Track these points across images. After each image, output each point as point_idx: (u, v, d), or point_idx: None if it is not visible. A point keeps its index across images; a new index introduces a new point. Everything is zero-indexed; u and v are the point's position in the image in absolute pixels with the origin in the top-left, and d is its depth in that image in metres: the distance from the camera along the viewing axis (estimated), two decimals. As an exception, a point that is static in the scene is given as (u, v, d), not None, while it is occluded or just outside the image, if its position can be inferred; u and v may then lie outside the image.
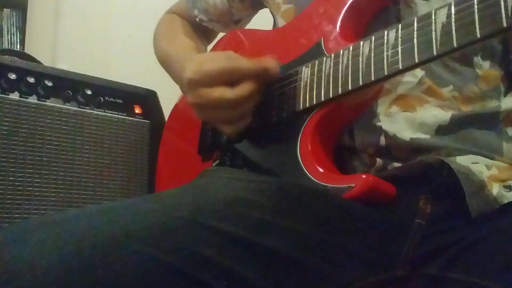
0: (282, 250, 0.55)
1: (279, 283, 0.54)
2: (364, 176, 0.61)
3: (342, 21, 0.70)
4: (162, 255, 0.49)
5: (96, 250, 0.47)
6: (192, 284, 0.49)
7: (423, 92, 0.67)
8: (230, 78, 0.70)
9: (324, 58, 0.68)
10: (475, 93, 0.70)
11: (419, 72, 0.68)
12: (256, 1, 0.98)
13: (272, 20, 0.94)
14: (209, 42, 1.12)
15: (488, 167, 0.63)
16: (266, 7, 0.97)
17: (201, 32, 1.09)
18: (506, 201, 0.59)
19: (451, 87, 0.69)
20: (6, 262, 0.46)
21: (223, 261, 0.51)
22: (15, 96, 1.01)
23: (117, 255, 0.47)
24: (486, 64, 0.71)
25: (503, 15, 0.48)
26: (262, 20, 1.04)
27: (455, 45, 0.52)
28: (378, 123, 0.67)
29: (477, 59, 0.71)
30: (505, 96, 0.73)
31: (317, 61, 0.69)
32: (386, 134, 0.66)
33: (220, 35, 1.09)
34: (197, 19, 1.05)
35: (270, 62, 0.72)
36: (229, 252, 0.52)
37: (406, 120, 0.66)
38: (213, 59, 0.73)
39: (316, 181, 0.63)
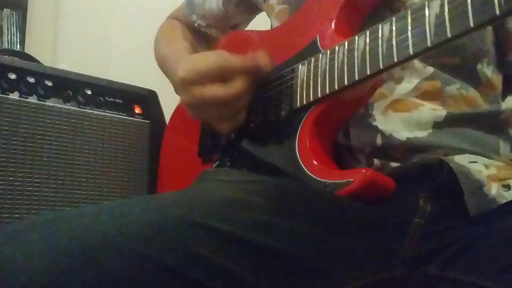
0: (280, 250, 0.54)
1: (276, 283, 0.54)
2: (363, 170, 0.60)
3: (337, 17, 0.70)
4: (155, 254, 0.48)
5: (88, 249, 0.47)
6: (186, 283, 0.49)
7: (418, 97, 0.68)
8: (222, 76, 0.70)
9: (320, 55, 0.68)
10: (478, 96, 0.71)
11: (414, 79, 0.68)
12: (251, 5, 0.98)
13: (269, 24, 0.94)
14: (210, 48, 1.13)
15: (487, 166, 0.63)
16: (263, 11, 0.97)
17: (202, 38, 1.10)
18: (504, 201, 0.59)
19: (458, 85, 0.69)
20: None
21: (219, 260, 0.51)
22: (15, 96, 1.01)
23: (110, 254, 0.47)
24: (489, 71, 0.72)
25: (496, 3, 0.48)
26: (259, 24, 1.05)
27: (449, 35, 0.52)
28: (374, 123, 0.67)
29: (481, 66, 0.71)
30: (504, 99, 0.74)
31: (313, 58, 0.69)
32: (383, 133, 0.67)
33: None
34: (196, 25, 1.07)
35: (262, 59, 0.73)
36: (225, 252, 0.52)
37: (402, 120, 0.67)
38: (204, 57, 0.74)
39: (315, 177, 0.63)
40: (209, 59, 0.72)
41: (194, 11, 1.06)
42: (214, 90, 0.70)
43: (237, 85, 0.70)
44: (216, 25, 1.06)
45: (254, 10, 1.01)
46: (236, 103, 0.72)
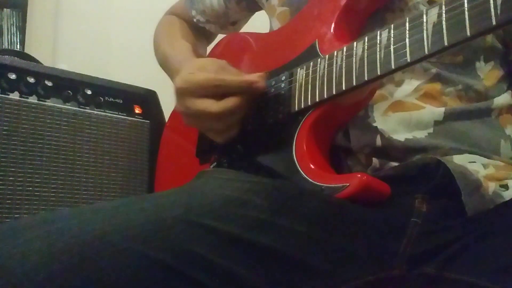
0: (278, 249, 0.55)
1: (274, 282, 0.54)
2: (358, 175, 0.61)
3: (336, 22, 0.71)
4: (153, 253, 0.49)
5: (86, 248, 0.47)
6: (184, 282, 0.49)
7: (418, 99, 0.68)
8: (217, 91, 0.72)
9: (319, 60, 0.68)
10: (478, 93, 0.71)
11: (415, 81, 0.69)
12: (252, 3, 0.99)
13: (269, 22, 0.94)
14: (209, 43, 1.13)
15: (485, 166, 0.64)
16: (262, 9, 0.98)
17: (200, 33, 1.10)
18: (502, 201, 0.60)
19: (460, 86, 0.70)
20: None
21: (217, 259, 0.51)
22: (15, 96, 1.01)
23: (107, 253, 0.47)
24: (488, 66, 0.73)
25: (492, 13, 0.48)
26: (258, 23, 1.05)
27: (446, 43, 0.52)
28: (374, 124, 0.68)
29: (479, 63, 0.72)
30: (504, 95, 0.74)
31: (311, 63, 0.69)
32: (382, 134, 0.67)
33: (220, 35, 1.10)
34: (195, 20, 1.07)
35: (257, 77, 0.73)
36: (223, 251, 0.52)
37: (401, 121, 0.67)
38: (204, 69, 0.75)
39: (311, 181, 0.64)
40: (207, 71, 0.74)
41: (193, 6, 1.06)
42: (206, 104, 0.72)
43: (230, 102, 0.72)
44: (215, 21, 1.06)
45: (255, 7, 1.01)
46: (228, 118, 0.73)
